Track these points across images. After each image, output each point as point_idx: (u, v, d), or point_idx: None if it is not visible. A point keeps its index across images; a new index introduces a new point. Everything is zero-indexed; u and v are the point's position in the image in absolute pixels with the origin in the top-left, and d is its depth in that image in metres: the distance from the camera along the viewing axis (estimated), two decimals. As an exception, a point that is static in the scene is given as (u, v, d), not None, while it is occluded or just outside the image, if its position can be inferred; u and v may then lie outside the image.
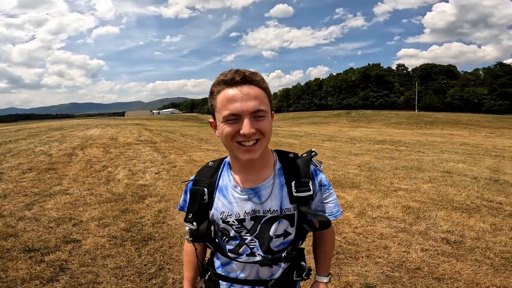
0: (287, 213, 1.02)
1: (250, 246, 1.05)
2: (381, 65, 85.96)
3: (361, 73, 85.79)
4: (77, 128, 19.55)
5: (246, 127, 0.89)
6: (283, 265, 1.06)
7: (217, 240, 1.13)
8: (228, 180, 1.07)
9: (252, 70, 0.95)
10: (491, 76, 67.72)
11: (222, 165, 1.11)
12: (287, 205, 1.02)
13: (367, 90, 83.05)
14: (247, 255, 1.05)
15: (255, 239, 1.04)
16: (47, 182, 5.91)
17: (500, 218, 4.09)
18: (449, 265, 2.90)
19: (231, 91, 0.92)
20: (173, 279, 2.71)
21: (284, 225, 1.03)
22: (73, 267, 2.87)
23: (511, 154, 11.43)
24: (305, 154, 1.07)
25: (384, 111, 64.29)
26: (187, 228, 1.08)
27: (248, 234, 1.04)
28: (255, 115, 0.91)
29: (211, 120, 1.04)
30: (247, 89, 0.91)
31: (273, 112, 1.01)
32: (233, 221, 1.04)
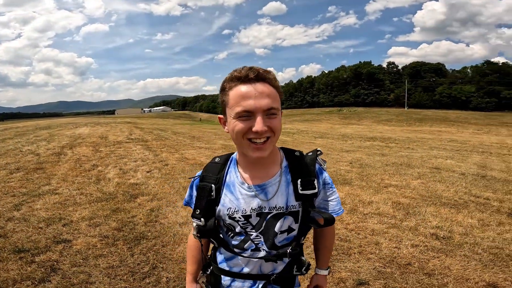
0: (292, 210, 1.04)
1: (255, 242, 1.06)
2: (372, 63, 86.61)
3: (353, 71, 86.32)
4: (65, 127, 19.23)
5: (259, 124, 0.90)
6: (286, 260, 1.09)
7: (221, 236, 1.13)
8: (235, 176, 1.08)
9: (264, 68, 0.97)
10: (478, 74, 68.94)
11: (229, 162, 1.12)
12: (293, 202, 1.04)
13: (358, 87, 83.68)
14: (251, 250, 1.07)
15: (260, 235, 1.06)
16: (36, 182, 5.81)
17: (488, 214, 4.19)
18: (438, 260, 2.96)
19: (245, 88, 0.92)
20: (167, 278, 2.70)
21: (289, 221, 1.05)
22: (65, 268, 2.83)
23: (498, 150, 11.70)
24: (310, 153, 1.09)
25: (375, 108, 64.94)
26: (194, 224, 1.10)
27: (254, 230, 1.06)
28: (268, 112, 0.92)
29: (221, 116, 1.04)
30: (261, 87, 0.92)
31: (282, 110, 1.02)
32: (239, 217, 1.05)
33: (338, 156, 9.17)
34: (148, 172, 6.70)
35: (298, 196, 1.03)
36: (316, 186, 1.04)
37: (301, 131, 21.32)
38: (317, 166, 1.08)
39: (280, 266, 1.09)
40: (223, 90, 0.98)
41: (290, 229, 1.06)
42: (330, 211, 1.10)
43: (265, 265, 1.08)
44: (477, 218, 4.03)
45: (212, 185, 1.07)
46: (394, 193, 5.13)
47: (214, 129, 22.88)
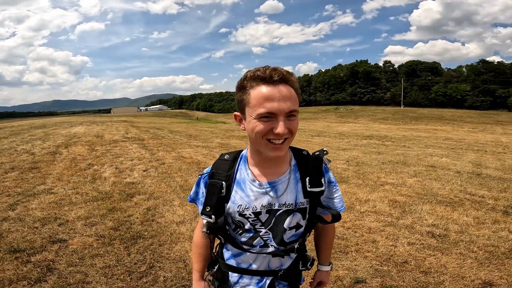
0: (301, 206, 1.07)
1: (264, 238, 1.08)
2: (369, 62, 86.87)
3: (349, 70, 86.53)
4: (60, 126, 19.11)
5: (281, 127, 0.91)
6: (292, 256, 1.12)
7: (229, 232, 1.13)
8: (245, 173, 1.09)
9: (286, 68, 0.97)
10: (474, 73, 69.38)
11: (239, 159, 1.12)
12: (301, 199, 1.07)
13: (355, 86, 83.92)
14: (260, 246, 1.08)
15: (269, 232, 1.07)
16: (31, 181, 5.77)
17: (483, 212, 4.22)
18: (435, 258, 2.98)
19: (268, 90, 0.92)
20: (164, 277, 2.69)
21: (297, 218, 1.08)
22: (61, 267, 2.81)
23: (493, 148, 11.81)
24: (317, 153, 1.11)
25: (371, 106, 65.18)
26: (204, 221, 1.10)
27: (263, 227, 1.07)
28: (288, 115, 0.94)
29: (237, 113, 1.05)
30: (284, 90, 0.93)
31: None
32: (249, 214, 1.06)
33: (335, 154, 9.19)
34: (144, 171, 6.67)
35: (306, 194, 1.06)
36: (323, 184, 1.07)
37: (298, 129, 21.25)
38: (323, 165, 1.11)
39: (287, 262, 1.12)
40: (243, 88, 0.97)
41: (298, 226, 1.09)
42: (335, 208, 1.14)
43: (273, 261, 1.10)
44: (473, 216, 4.06)
45: (223, 182, 1.07)
46: (391, 191, 5.16)
47: (211, 128, 22.84)
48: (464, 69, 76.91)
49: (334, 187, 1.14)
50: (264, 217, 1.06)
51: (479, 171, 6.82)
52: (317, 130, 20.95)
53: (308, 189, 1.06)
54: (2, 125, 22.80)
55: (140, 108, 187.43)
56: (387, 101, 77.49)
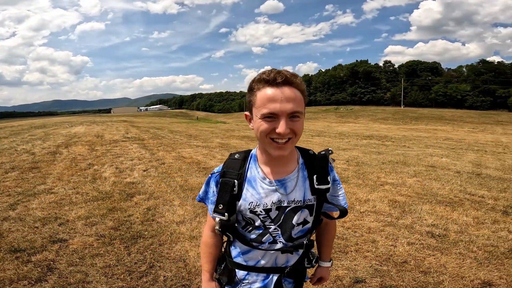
0: (308, 203, 1.12)
1: (273, 235, 1.11)
2: (369, 62, 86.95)
3: (349, 70, 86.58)
4: (60, 125, 19.12)
5: (282, 127, 0.95)
6: (299, 252, 1.16)
7: (238, 230, 1.16)
8: (256, 172, 1.12)
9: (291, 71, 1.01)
10: (474, 73, 69.39)
11: (249, 158, 1.16)
12: (309, 196, 1.11)
13: (355, 86, 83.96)
14: (269, 243, 1.12)
15: (278, 228, 1.11)
16: (31, 181, 5.77)
17: (483, 212, 4.22)
18: (434, 258, 2.99)
19: (272, 91, 0.97)
20: (164, 276, 2.70)
21: (305, 214, 1.12)
22: (61, 267, 2.82)
23: (493, 148, 11.81)
24: (323, 152, 1.16)
25: (371, 106, 65.21)
26: (217, 219, 1.12)
27: (272, 224, 1.11)
28: (291, 115, 0.97)
29: (247, 113, 1.10)
30: (287, 91, 0.97)
31: (304, 112, 1.07)
32: (260, 211, 1.09)
33: (335, 154, 9.19)
34: (144, 171, 6.68)
35: (314, 191, 1.11)
36: (329, 181, 1.13)
37: (298, 129, 21.31)
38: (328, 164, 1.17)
39: (293, 259, 1.16)
40: (251, 90, 1.03)
41: (305, 222, 1.13)
42: (342, 205, 1.18)
43: (280, 258, 1.14)
44: (472, 216, 4.06)
45: (235, 180, 1.10)
46: (390, 191, 5.16)
47: (211, 128, 22.84)
48: (464, 69, 76.93)
49: (338, 185, 1.19)
50: (274, 214, 1.10)
51: (479, 171, 6.83)
52: (317, 130, 20.96)
53: (316, 186, 1.10)
54: (2, 125, 22.82)
55: (140, 108, 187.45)
56: (387, 101, 77.50)
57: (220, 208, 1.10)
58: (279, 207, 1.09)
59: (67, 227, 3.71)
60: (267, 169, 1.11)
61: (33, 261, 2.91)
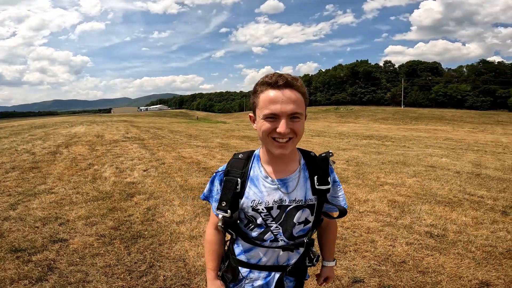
0: (309, 203, 1.15)
1: (274, 233, 1.15)
2: (369, 62, 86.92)
3: (350, 70, 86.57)
4: (61, 125, 19.14)
5: (282, 126, 1.01)
6: (300, 250, 1.20)
7: (240, 228, 1.20)
8: (259, 171, 1.17)
9: (293, 75, 1.07)
10: (474, 73, 69.34)
11: (252, 157, 1.21)
12: (310, 196, 1.15)
13: (355, 86, 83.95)
14: (270, 241, 1.15)
15: (279, 226, 1.15)
16: (31, 181, 5.79)
17: (482, 212, 4.24)
18: (432, 258, 3.00)
19: (273, 93, 1.03)
20: (164, 276, 2.72)
21: (306, 213, 1.16)
22: (62, 267, 2.83)
23: (493, 149, 11.82)
24: (324, 154, 1.20)
25: (372, 106, 65.20)
26: (220, 216, 1.17)
27: (274, 222, 1.14)
28: (292, 116, 1.03)
29: (251, 114, 1.16)
30: (288, 93, 1.02)
31: (306, 114, 1.12)
32: (262, 209, 1.13)
33: (335, 154, 9.20)
34: (144, 171, 6.69)
35: (314, 191, 1.15)
36: (330, 182, 1.17)
37: (298, 129, 21.32)
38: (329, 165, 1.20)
39: (294, 257, 1.19)
40: (255, 92, 1.09)
41: (306, 221, 1.17)
42: (342, 206, 1.22)
43: (281, 256, 1.17)
44: (471, 216, 4.07)
45: (238, 179, 1.15)
46: (390, 191, 5.18)
47: (211, 128, 22.86)
48: (464, 69, 76.88)
49: (338, 186, 1.23)
50: (275, 212, 1.13)
51: (479, 171, 6.84)
52: (317, 130, 20.97)
53: (317, 186, 1.15)
54: (3, 124, 22.83)
55: (140, 108, 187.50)
56: (387, 101, 77.49)
57: (223, 205, 1.14)
58: (281, 206, 1.13)
59: (68, 227, 3.72)
60: (269, 169, 1.15)
61: (33, 260, 2.92)
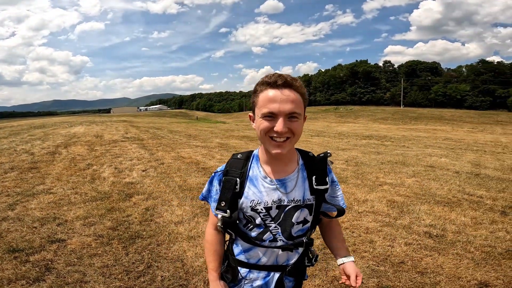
0: (308, 203, 1.16)
1: (273, 233, 1.15)
2: (369, 62, 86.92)
3: (349, 70, 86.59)
4: (60, 125, 19.13)
5: (279, 125, 1.01)
6: (299, 250, 1.20)
7: (239, 228, 1.20)
8: (258, 171, 1.17)
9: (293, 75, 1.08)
10: (473, 73, 69.38)
11: (251, 158, 1.21)
12: (308, 196, 1.16)
13: (354, 86, 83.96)
14: (270, 241, 1.16)
15: (278, 226, 1.15)
16: (30, 181, 5.78)
17: (481, 212, 4.23)
18: (431, 259, 2.99)
19: (272, 92, 1.04)
20: (162, 276, 2.71)
21: (304, 213, 1.17)
22: (59, 267, 2.82)
23: (492, 148, 11.82)
24: (322, 154, 1.20)
25: (371, 106, 65.21)
26: (219, 216, 1.17)
27: (273, 222, 1.15)
28: (290, 116, 1.03)
29: (250, 114, 1.16)
30: (287, 93, 1.03)
31: (306, 115, 1.13)
32: (261, 209, 1.14)
33: (334, 154, 9.20)
34: (143, 171, 6.68)
35: (313, 191, 1.16)
36: (328, 182, 1.18)
37: (298, 129, 21.32)
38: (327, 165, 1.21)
39: (293, 257, 1.19)
40: (255, 92, 1.10)
41: (305, 221, 1.17)
42: (340, 206, 1.22)
43: (281, 256, 1.17)
44: (470, 216, 4.07)
45: (237, 178, 1.15)
46: (389, 191, 5.17)
47: (211, 128, 22.85)
48: (464, 69, 76.93)
49: (337, 186, 1.24)
50: (274, 212, 1.14)
51: (478, 171, 6.84)
52: (316, 130, 20.97)
53: (315, 186, 1.15)
54: (2, 125, 22.81)
55: (140, 108, 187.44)
56: (387, 101, 77.51)
57: (222, 205, 1.15)
58: (280, 206, 1.13)
59: (66, 227, 3.71)
60: (268, 169, 1.16)
61: (31, 261, 2.91)
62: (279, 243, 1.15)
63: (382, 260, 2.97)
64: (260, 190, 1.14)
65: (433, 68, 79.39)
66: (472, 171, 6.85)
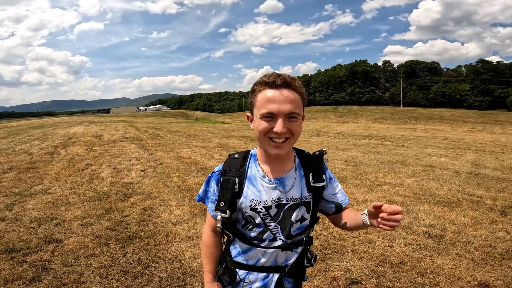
0: (305, 200, 1.16)
1: (273, 232, 1.14)
2: (368, 62, 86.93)
3: (349, 69, 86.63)
4: (59, 126, 19.10)
5: (279, 126, 1.00)
6: (298, 250, 1.18)
7: (238, 229, 1.18)
8: (256, 170, 1.16)
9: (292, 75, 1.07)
10: (473, 73, 69.46)
11: (249, 157, 1.20)
12: (306, 193, 1.16)
13: (354, 86, 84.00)
14: (269, 240, 1.14)
15: (277, 225, 1.14)
16: (28, 181, 5.75)
17: (481, 212, 4.21)
18: (431, 259, 2.97)
19: (271, 93, 1.02)
20: (159, 277, 2.68)
21: (302, 211, 1.16)
22: (56, 267, 2.80)
23: (492, 148, 11.81)
24: (317, 152, 1.20)
25: (371, 106, 65.22)
26: (219, 217, 1.14)
27: (272, 221, 1.14)
28: (289, 116, 1.02)
29: (248, 114, 1.15)
30: (286, 93, 1.02)
31: (304, 114, 1.11)
32: (261, 209, 1.13)
33: (334, 154, 9.19)
34: (142, 171, 6.66)
35: (310, 188, 1.15)
36: (324, 180, 1.17)
37: (297, 129, 21.31)
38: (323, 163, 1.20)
39: (292, 257, 1.18)
40: (253, 92, 1.09)
41: (302, 219, 1.17)
42: (340, 202, 1.21)
43: (280, 256, 1.16)
44: (470, 216, 4.05)
45: (236, 178, 1.13)
46: (388, 191, 5.15)
47: (210, 128, 22.83)
48: (463, 69, 77.01)
49: (335, 182, 1.23)
50: (273, 211, 1.13)
51: (478, 171, 6.82)
52: (316, 130, 20.96)
53: (312, 184, 1.15)
54: (1, 125, 22.78)
55: (140, 108, 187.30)
56: (386, 101, 77.55)
57: (221, 205, 1.13)
58: (279, 205, 1.13)
59: (63, 227, 3.69)
60: (266, 168, 1.15)
61: (28, 261, 2.89)
62: (279, 243, 1.14)
63: (381, 261, 2.95)
64: (259, 189, 1.13)
65: (433, 68, 79.45)
66: (472, 171, 6.84)
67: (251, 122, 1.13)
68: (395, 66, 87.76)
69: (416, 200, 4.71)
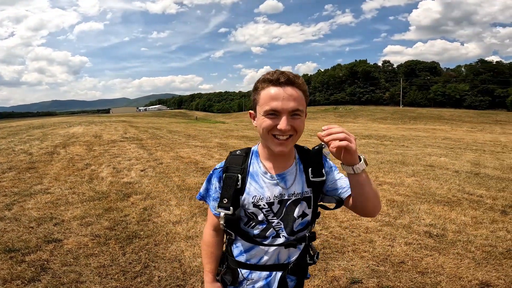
0: (306, 195, 1.15)
1: (276, 229, 1.13)
2: (368, 62, 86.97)
3: (348, 69, 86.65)
4: (59, 126, 19.08)
5: (283, 123, 1.00)
6: (301, 246, 1.17)
7: (240, 227, 1.17)
8: (258, 167, 1.16)
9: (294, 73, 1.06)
10: (472, 72, 69.48)
11: (250, 153, 1.19)
12: (306, 188, 1.15)
13: (354, 86, 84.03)
14: (272, 237, 1.13)
15: (280, 222, 1.13)
16: (27, 181, 5.74)
17: (481, 211, 4.20)
18: (432, 258, 2.96)
19: (275, 90, 1.02)
20: (159, 277, 2.67)
21: (303, 206, 1.15)
22: (55, 267, 2.79)
23: (491, 148, 11.80)
24: (317, 147, 1.18)
25: (370, 106, 65.23)
26: (222, 214, 1.13)
27: (275, 218, 1.13)
28: (292, 113, 1.02)
29: (251, 111, 1.15)
30: (289, 90, 1.02)
31: (307, 112, 1.11)
32: (263, 205, 1.12)
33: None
34: (142, 171, 6.65)
35: (309, 183, 1.15)
36: (324, 174, 1.15)
37: (297, 129, 21.32)
38: (322, 157, 1.19)
39: (295, 254, 1.17)
40: (256, 89, 1.08)
41: (304, 214, 1.15)
42: (344, 187, 1.14)
43: (282, 254, 1.15)
44: (470, 215, 4.04)
45: (238, 175, 1.13)
46: (389, 191, 5.14)
47: (210, 128, 22.82)
48: (463, 69, 77.05)
49: (335, 170, 1.20)
50: (276, 207, 1.12)
51: (478, 171, 6.81)
52: (316, 130, 20.90)
53: (311, 179, 1.14)
54: (1, 125, 22.76)
55: (139, 108, 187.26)
56: (386, 101, 77.57)
57: (224, 202, 1.12)
58: (281, 201, 1.12)
59: (62, 227, 3.68)
60: (268, 164, 1.15)
61: (27, 261, 2.88)
62: (281, 240, 1.13)
63: (382, 260, 2.94)
64: (261, 185, 1.12)
65: (432, 68, 79.50)
66: (472, 170, 6.83)
67: (254, 120, 1.13)
68: (395, 66, 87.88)
69: (417, 199, 4.70)
